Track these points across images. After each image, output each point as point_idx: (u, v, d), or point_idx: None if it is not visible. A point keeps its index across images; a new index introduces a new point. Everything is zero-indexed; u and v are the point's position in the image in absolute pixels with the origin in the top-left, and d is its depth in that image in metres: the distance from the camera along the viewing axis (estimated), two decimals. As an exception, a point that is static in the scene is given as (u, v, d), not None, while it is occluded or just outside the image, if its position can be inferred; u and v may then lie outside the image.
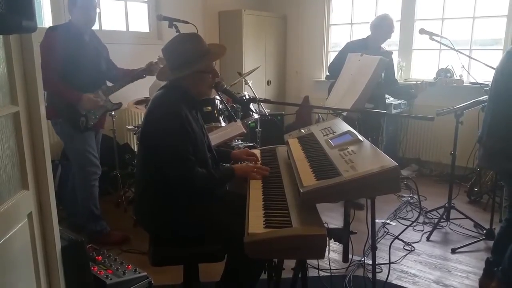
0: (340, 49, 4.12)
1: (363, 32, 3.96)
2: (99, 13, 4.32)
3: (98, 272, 2.38)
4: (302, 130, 2.44)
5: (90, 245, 2.63)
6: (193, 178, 1.92)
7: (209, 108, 3.52)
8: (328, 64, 4.35)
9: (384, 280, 2.32)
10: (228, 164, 2.37)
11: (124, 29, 4.69)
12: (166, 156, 1.92)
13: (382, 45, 4.03)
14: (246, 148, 2.48)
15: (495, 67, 3.50)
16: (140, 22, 4.93)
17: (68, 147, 3.11)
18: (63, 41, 2.84)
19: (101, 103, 3.04)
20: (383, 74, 3.72)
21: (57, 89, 2.88)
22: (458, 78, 3.69)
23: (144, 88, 4.10)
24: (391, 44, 5.33)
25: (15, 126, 1.55)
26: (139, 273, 2.46)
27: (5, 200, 1.48)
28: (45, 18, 4.04)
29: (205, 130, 2.20)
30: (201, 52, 2.01)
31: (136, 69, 3.25)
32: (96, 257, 2.53)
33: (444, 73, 4.61)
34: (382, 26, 3.79)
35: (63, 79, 2.87)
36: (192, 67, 1.98)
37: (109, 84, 3.21)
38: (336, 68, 3.65)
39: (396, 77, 4.26)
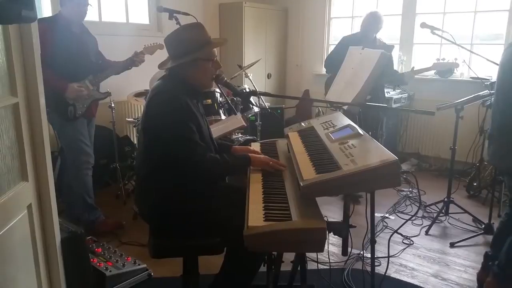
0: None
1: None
2: (99, 4, 4.30)
3: (98, 264, 2.39)
4: (303, 124, 2.43)
5: (89, 237, 2.64)
6: (204, 162, 1.89)
7: (209, 101, 3.51)
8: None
9: (383, 273, 2.33)
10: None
11: (124, 21, 4.67)
12: (171, 143, 1.88)
13: (383, 39, 4.04)
14: (248, 146, 2.45)
15: (496, 61, 3.51)
16: (140, 14, 4.90)
17: (60, 136, 3.14)
18: (51, 32, 2.85)
19: (85, 92, 3.05)
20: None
21: (44, 79, 2.87)
22: (453, 61, 3.66)
23: (143, 81, 4.09)
24: (392, 38, 5.32)
25: (14, 117, 1.55)
26: (139, 265, 2.48)
27: (5, 191, 1.48)
28: (44, 9, 4.00)
29: (206, 120, 2.18)
30: (201, 41, 1.99)
31: (122, 61, 3.26)
32: (96, 249, 2.54)
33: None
34: (368, 21, 3.95)
35: (50, 69, 2.84)
36: (192, 55, 1.96)
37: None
38: (333, 62, 3.66)
39: (395, 69, 4.28)
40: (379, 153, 1.60)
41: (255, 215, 1.57)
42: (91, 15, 3.13)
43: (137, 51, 3.25)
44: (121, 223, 3.31)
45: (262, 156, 2.14)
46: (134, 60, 3.23)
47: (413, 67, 3.89)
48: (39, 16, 1.08)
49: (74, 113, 3.02)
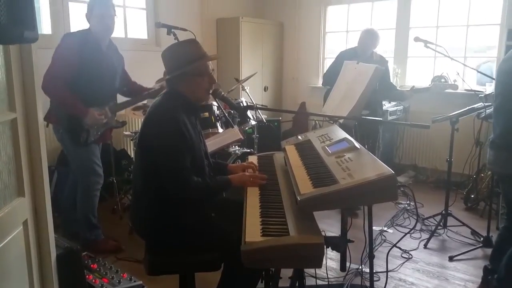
0: (335, 56, 4.18)
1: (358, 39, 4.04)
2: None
3: (93, 280, 2.36)
4: (299, 137, 2.44)
5: (85, 253, 2.61)
6: (187, 187, 1.91)
7: (207, 114, 3.51)
8: (323, 72, 4.41)
9: (382, 288, 2.32)
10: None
11: (123, 35, 4.70)
12: (161, 162, 1.90)
13: (378, 52, 4.09)
14: (243, 163, 2.46)
15: (489, 74, 3.55)
16: (139, 29, 4.94)
17: (71, 155, 3.03)
18: (79, 49, 2.76)
19: (104, 120, 2.95)
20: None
21: (63, 100, 2.78)
22: (452, 83, 3.73)
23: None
24: (387, 51, 5.37)
25: (12, 132, 1.55)
26: (135, 281, 2.44)
27: (1, 207, 1.47)
28: (44, 25, 4.03)
29: (202, 137, 2.20)
30: (194, 56, 2.01)
31: (149, 89, 3.17)
32: (91, 265, 2.51)
33: (438, 80, 4.64)
34: (365, 38, 3.98)
35: (72, 89, 2.77)
36: (184, 69, 1.98)
37: (120, 98, 3.15)
38: (330, 77, 3.70)
39: (392, 82, 4.32)
40: (375, 167, 1.60)
41: (252, 230, 1.57)
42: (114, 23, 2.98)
43: (163, 84, 3.17)
44: (120, 246, 3.21)
45: (241, 174, 2.15)
46: (161, 92, 3.16)
47: (413, 86, 3.93)
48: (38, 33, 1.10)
49: (86, 140, 2.92)
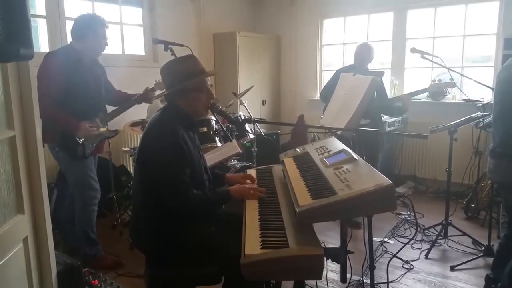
0: (333, 68, 4.23)
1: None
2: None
3: (94, 296, 2.34)
4: (298, 149, 2.45)
5: (86, 268, 2.60)
6: (187, 201, 1.91)
7: (205, 128, 3.53)
8: (322, 84, 4.45)
9: (383, 299, 2.31)
10: (223, 187, 2.37)
11: (120, 52, 4.74)
12: (160, 177, 1.91)
13: (374, 68, 4.15)
14: (241, 173, 2.47)
15: (486, 84, 3.57)
16: (136, 45, 4.99)
17: (68, 172, 3.06)
18: (63, 66, 2.79)
19: (96, 132, 3.00)
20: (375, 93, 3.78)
21: (54, 117, 2.80)
22: (449, 81, 3.71)
23: (140, 110, 4.12)
24: (384, 63, 5.42)
25: (11, 150, 1.56)
26: (136, 297, 2.43)
27: (1, 224, 1.47)
28: (41, 42, 4.07)
29: (201, 152, 2.21)
30: (193, 71, 2.04)
31: (134, 95, 3.24)
32: (92, 281, 2.49)
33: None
34: (362, 53, 4.06)
35: (61, 105, 2.81)
36: (182, 85, 2.00)
37: (108, 107, 3.19)
38: (328, 93, 3.72)
39: (388, 95, 4.35)
40: (373, 178, 1.61)
41: (252, 243, 1.57)
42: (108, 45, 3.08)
43: (148, 88, 3.23)
44: (120, 262, 3.21)
45: (241, 186, 2.16)
46: (147, 98, 3.22)
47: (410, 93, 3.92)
48: (35, 51, 1.11)
49: (83, 153, 2.95)
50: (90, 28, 2.89)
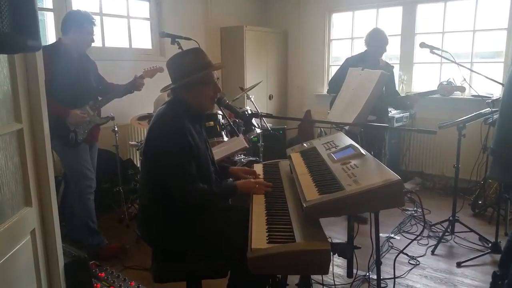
0: (341, 63, 4.15)
1: (363, 46, 4.00)
2: (102, 30, 4.38)
3: (101, 289, 2.36)
4: (305, 144, 2.44)
5: (93, 261, 2.62)
6: (193, 194, 1.91)
7: (212, 123, 3.53)
8: (329, 80, 4.38)
9: (390, 295, 2.30)
10: (229, 180, 2.37)
11: (127, 46, 4.74)
12: (167, 170, 1.91)
13: (383, 58, 4.06)
14: (245, 167, 2.47)
15: (496, 79, 3.53)
16: (143, 39, 4.99)
17: (63, 161, 3.16)
18: (52, 60, 2.87)
19: (87, 118, 3.09)
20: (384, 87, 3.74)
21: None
22: (460, 85, 3.68)
23: (146, 104, 4.13)
24: (392, 57, 5.37)
25: (18, 143, 1.56)
26: (142, 289, 2.45)
27: (9, 217, 1.48)
28: (49, 36, 4.08)
29: (208, 144, 2.20)
30: (200, 64, 2.03)
31: (123, 84, 3.30)
32: (99, 274, 2.52)
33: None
34: (375, 41, 3.85)
35: (51, 96, 2.87)
36: (188, 78, 1.99)
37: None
38: (336, 83, 3.68)
39: (397, 90, 4.29)
40: (382, 173, 1.60)
41: (259, 237, 1.57)
42: (95, 41, 3.17)
43: (137, 75, 3.29)
44: (124, 247, 3.29)
45: (247, 180, 2.16)
46: (135, 85, 3.27)
47: (410, 94, 3.90)
48: (43, 44, 1.11)
49: (75, 139, 3.05)
50: (76, 24, 3.00)
